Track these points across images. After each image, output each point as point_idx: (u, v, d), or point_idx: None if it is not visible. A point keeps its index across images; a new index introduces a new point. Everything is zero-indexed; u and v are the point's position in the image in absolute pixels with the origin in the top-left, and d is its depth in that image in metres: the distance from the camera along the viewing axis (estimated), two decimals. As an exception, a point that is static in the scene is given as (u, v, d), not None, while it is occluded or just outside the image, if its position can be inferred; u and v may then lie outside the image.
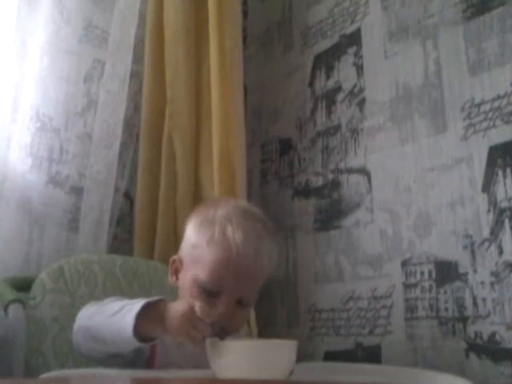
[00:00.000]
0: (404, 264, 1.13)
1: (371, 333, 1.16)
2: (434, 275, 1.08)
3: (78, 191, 1.21)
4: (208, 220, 0.85)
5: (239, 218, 0.85)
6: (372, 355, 1.15)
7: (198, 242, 0.84)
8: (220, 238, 0.82)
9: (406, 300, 1.11)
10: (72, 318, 0.93)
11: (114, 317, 0.75)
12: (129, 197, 1.32)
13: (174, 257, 0.89)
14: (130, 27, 1.33)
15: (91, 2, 1.34)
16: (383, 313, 1.15)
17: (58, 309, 0.94)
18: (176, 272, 0.88)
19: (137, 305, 0.74)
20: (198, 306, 0.74)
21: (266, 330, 1.21)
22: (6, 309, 0.91)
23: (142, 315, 0.72)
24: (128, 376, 0.71)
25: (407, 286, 1.12)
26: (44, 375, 0.74)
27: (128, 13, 1.34)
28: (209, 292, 0.81)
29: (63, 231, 1.17)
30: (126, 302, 0.78)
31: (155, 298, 0.75)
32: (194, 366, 0.77)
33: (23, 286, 0.96)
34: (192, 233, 0.86)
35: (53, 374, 0.75)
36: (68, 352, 0.90)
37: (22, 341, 0.89)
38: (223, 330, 0.79)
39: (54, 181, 1.19)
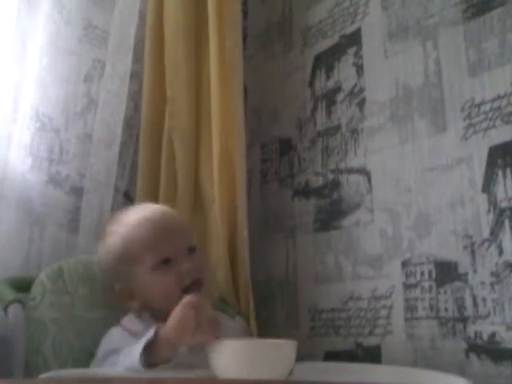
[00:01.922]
0: (404, 264, 1.13)
1: (371, 333, 1.16)
2: (433, 275, 1.08)
3: (77, 191, 1.21)
4: (113, 231, 0.92)
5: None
6: (372, 355, 1.14)
7: (121, 248, 0.89)
8: (133, 224, 0.90)
9: (406, 300, 1.11)
10: (71, 319, 0.93)
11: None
12: (129, 197, 1.32)
13: (117, 289, 0.91)
14: (130, 27, 1.33)
15: (91, 2, 1.34)
16: (383, 313, 1.15)
17: (57, 309, 0.93)
18: (130, 296, 0.90)
19: (135, 352, 0.73)
20: (187, 300, 0.75)
21: (266, 330, 1.20)
22: (5, 309, 0.91)
23: (146, 355, 0.73)
24: (128, 376, 0.71)
25: (407, 286, 1.12)
26: (43, 375, 0.74)
27: (128, 13, 1.34)
28: (166, 262, 0.87)
29: (63, 231, 1.16)
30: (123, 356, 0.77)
31: (150, 332, 0.75)
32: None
33: (23, 286, 0.96)
34: (111, 251, 0.91)
35: (52, 373, 0.75)
36: (68, 352, 0.90)
37: (21, 341, 0.89)
38: (198, 282, 0.87)
39: (53, 181, 1.19)
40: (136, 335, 0.82)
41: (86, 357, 0.87)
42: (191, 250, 0.91)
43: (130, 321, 0.89)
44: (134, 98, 1.35)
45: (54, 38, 1.23)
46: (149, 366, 0.73)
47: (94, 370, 0.79)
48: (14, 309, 0.91)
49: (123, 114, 1.28)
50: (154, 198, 1.27)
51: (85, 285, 0.97)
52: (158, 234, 0.89)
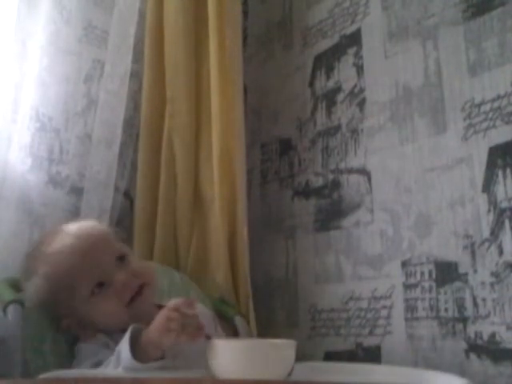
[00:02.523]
0: (404, 264, 1.13)
1: (371, 333, 1.16)
2: (434, 275, 1.08)
3: (77, 191, 1.21)
4: (40, 274, 0.88)
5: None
6: (372, 355, 1.14)
7: (54, 286, 0.87)
8: (54, 260, 0.87)
9: (406, 300, 1.11)
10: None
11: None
12: (128, 197, 1.32)
13: (64, 325, 0.89)
14: (130, 27, 1.33)
15: (91, 2, 1.34)
16: (383, 313, 1.15)
17: (57, 309, 0.93)
18: (81, 327, 0.88)
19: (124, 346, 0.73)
20: (171, 303, 0.74)
21: (266, 330, 1.20)
22: (5, 309, 0.91)
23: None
24: (127, 376, 0.71)
25: (407, 287, 1.12)
26: (43, 375, 0.73)
27: (128, 13, 1.34)
28: (100, 286, 0.86)
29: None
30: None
31: (127, 332, 0.75)
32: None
33: (22, 286, 0.96)
34: (43, 292, 0.88)
35: (52, 373, 0.75)
36: (67, 352, 0.90)
37: (20, 341, 0.89)
38: (141, 287, 0.86)
39: (53, 181, 1.19)
40: (103, 345, 0.83)
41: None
42: (121, 258, 0.89)
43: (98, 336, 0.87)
44: (134, 97, 1.35)
45: (54, 38, 1.23)
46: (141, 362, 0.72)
47: (93, 371, 0.78)
48: (13, 309, 0.90)
49: (123, 114, 1.28)
50: (153, 197, 1.27)
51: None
52: (81, 262, 0.86)
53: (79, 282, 0.86)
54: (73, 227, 0.93)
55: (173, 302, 0.75)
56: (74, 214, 1.19)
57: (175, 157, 1.29)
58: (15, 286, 0.96)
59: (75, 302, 0.87)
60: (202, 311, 0.94)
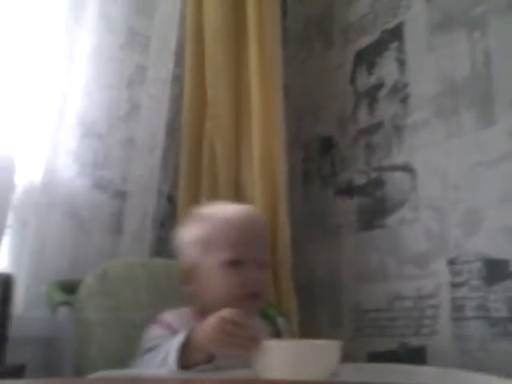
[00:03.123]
0: (450, 262, 1.09)
1: (417, 333, 1.13)
2: (483, 274, 1.04)
3: (121, 195, 1.23)
4: (201, 218, 0.92)
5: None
6: (417, 356, 1.12)
7: (203, 235, 0.90)
8: (223, 217, 0.90)
9: (453, 299, 1.08)
10: (117, 321, 0.95)
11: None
12: (171, 199, 1.34)
13: (181, 268, 0.92)
14: (171, 32, 1.35)
15: (133, 9, 1.36)
16: (429, 313, 1.12)
17: (103, 311, 0.95)
18: (189, 280, 0.91)
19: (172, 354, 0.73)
20: (229, 313, 0.73)
21: (309, 330, 1.19)
22: (55, 311, 0.94)
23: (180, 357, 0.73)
24: (172, 376, 0.72)
25: (454, 285, 1.08)
26: (91, 375, 0.75)
27: (168, 18, 1.36)
28: (236, 264, 0.86)
29: (108, 235, 1.19)
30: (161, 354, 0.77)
31: (182, 334, 0.75)
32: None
33: (70, 288, 0.99)
34: (192, 235, 0.92)
35: (100, 374, 0.76)
36: (114, 353, 0.92)
37: (70, 342, 0.91)
38: (257, 297, 0.86)
39: (98, 185, 1.21)
40: (174, 331, 0.83)
41: (131, 358, 0.89)
42: (262, 264, 0.90)
43: (169, 316, 0.89)
44: (176, 101, 1.37)
45: (98, 47, 1.26)
46: (184, 367, 0.73)
47: (138, 371, 0.80)
48: (62, 310, 0.94)
49: (165, 118, 1.30)
50: (196, 199, 1.28)
51: (129, 287, 0.99)
52: (242, 234, 0.88)
53: (226, 247, 0.88)
54: (255, 211, 1.00)
55: (224, 313, 0.74)
56: (118, 218, 1.21)
57: (216, 159, 1.30)
58: (64, 288, 0.99)
59: (208, 259, 0.88)
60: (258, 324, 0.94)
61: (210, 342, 0.72)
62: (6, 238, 1.03)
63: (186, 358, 0.73)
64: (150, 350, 0.81)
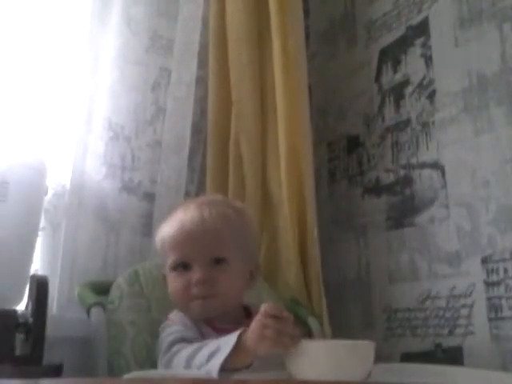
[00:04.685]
0: (485, 261, 1.07)
1: (451, 333, 1.11)
2: (519, 272, 1.02)
3: (150, 197, 1.25)
4: (161, 227, 0.93)
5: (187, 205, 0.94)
6: (453, 357, 1.10)
7: (159, 241, 0.92)
8: (170, 221, 0.91)
9: (489, 299, 1.06)
10: (148, 321, 0.95)
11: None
12: (199, 200, 1.34)
13: (162, 273, 0.94)
14: (194, 34, 1.36)
15: (156, 12, 1.37)
16: (463, 312, 1.10)
17: (135, 312, 0.96)
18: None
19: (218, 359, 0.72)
20: (267, 306, 0.73)
21: (340, 331, 1.18)
22: (88, 311, 0.95)
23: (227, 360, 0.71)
24: (207, 377, 0.72)
25: (489, 284, 1.06)
26: (126, 376, 0.75)
27: (191, 20, 1.36)
28: (183, 267, 0.87)
29: (137, 236, 1.20)
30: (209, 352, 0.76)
31: (232, 339, 0.73)
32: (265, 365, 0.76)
33: (102, 289, 1.00)
34: (156, 242, 0.94)
35: (134, 374, 0.77)
36: (146, 354, 0.92)
37: (103, 342, 0.92)
38: (212, 295, 0.86)
39: (127, 188, 1.23)
40: (187, 327, 0.84)
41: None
42: (217, 261, 0.88)
43: (176, 315, 0.89)
44: (201, 103, 1.37)
45: (123, 50, 1.28)
46: (225, 371, 0.72)
47: (173, 372, 0.80)
48: (95, 311, 0.95)
49: (191, 120, 1.31)
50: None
51: (160, 288, 0.99)
52: (181, 238, 0.88)
53: (171, 252, 0.89)
54: (212, 204, 0.93)
55: (266, 308, 0.73)
56: (147, 219, 1.22)
57: (243, 159, 1.30)
58: (96, 289, 1.00)
59: (166, 264, 0.91)
60: None
61: (256, 341, 0.71)
62: (39, 241, 1.04)
63: (229, 362, 0.72)
64: (176, 342, 0.81)
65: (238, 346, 0.72)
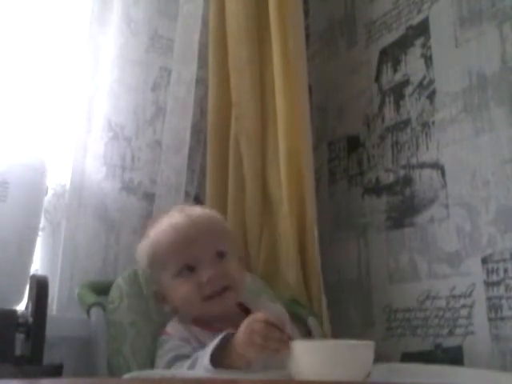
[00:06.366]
0: (485, 261, 1.07)
1: (451, 333, 1.11)
2: (519, 272, 1.02)
3: (149, 197, 1.25)
4: (145, 240, 0.93)
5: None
6: (453, 357, 1.10)
7: (149, 256, 0.91)
8: (159, 231, 0.91)
9: (489, 299, 1.06)
10: (148, 322, 0.96)
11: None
12: (199, 201, 1.34)
13: (154, 290, 0.94)
14: (194, 34, 1.36)
15: (156, 12, 1.37)
16: (463, 312, 1.10)
17: (134, 313, 0.96)
18: (164, 299, 0.92)
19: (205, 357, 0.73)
20: (260, 315, 0.74)
21: (340, 330, 1.18)
22: (88, 312, 0.95)
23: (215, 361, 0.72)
24: (206, 378, 0.72)
25: (489, 284, 1.06)
26: (126, 376, 0.76)
27: (191, 20, 1.36)
28: (189, 270, 0.87)
29: (137, 236, 1.19)
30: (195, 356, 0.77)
31: (220, 336, 0.75)
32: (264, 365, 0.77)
33: (102, 289, 1.00)
34: (143, 259, 0.93)
35: (134, 374, 0.77)
36: (146, 354, 0.92)
37: (103, 342, 0.92)
38: (227, 288, 0.86)
39: (127, 188, 1.23)
40: (185, 341, 0.84)
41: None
42: (220, 255, 0.89)
43: (173, 327, 0.89)
44: (200, 103, 1.37)
45: (122, 50, 1.28)
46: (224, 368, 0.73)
47: (172, 372, 0.80)
48: (95, 311, 0.95)
49: (190, 120, 1.31)
50: (222, 200, 1.29)
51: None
52: (180, 241, 0.88)
53: (171, 258, 0.89)
54: (190, 210, 0.95)
55: (258, 314, 0.74)
56: (147, 219, 1.22)
57: (242, 159, 1.30)
58: (96, 289, 1.00)
59: (164, 274, 0.90)
60: (281, 311, 0.94)
61: (244, 346, 0.72)
62: (39, 241, 1.04)
63: (222, 361, 0.73)
64: (173, 360, 0.81)
65: (229, 348, 0.73)
